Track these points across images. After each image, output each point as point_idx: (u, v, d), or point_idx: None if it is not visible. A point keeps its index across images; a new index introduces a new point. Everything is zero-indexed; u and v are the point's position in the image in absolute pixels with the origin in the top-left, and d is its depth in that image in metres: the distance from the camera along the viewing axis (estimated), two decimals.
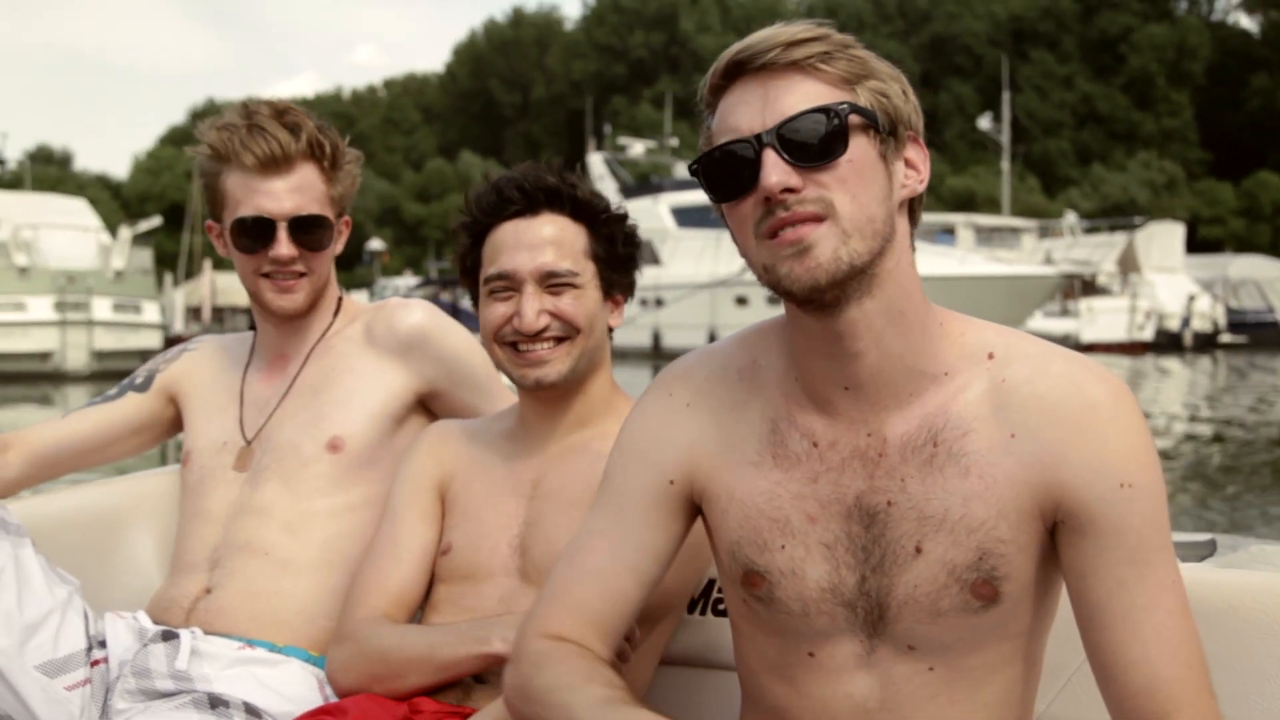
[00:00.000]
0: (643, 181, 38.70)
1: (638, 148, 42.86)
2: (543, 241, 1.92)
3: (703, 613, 2.02)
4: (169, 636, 2.11)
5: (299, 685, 2.09)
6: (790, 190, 1.32)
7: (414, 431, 2.26)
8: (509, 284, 1.93)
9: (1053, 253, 38.68)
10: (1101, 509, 1.36)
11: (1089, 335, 34.57)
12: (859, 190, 1.33)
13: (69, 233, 27.58)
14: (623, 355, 26.91)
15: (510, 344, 1.94)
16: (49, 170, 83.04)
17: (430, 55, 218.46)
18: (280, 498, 2.23)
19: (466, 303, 2.09)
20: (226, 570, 2.19)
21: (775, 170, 1.31)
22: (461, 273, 2.04)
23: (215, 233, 2.31)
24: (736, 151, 1.36)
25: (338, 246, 2.34)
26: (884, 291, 1.37)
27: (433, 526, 2.04)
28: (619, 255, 1.99)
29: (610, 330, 2.05)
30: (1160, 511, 1.37)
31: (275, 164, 2.19)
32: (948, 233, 41.10)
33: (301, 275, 2.26)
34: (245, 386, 2.38)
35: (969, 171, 73.43)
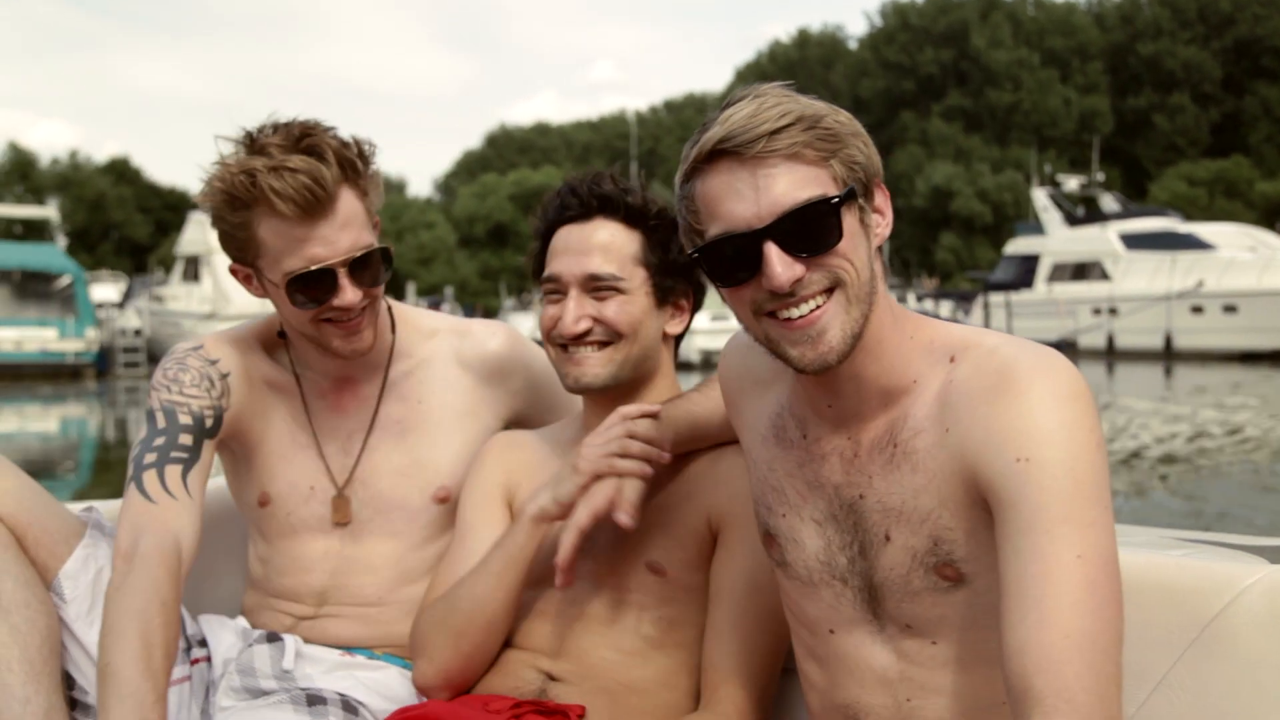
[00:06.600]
0: (1092, 211, 42.27)
1: (1072, 183, 46.75)
2: (591, 246, 1.93)
3: None
4: (273, 639, 2.13)
5: (398, 687, 2.12)
6: (797, 280, 1.40)
7: None
8: (557, 287, 1.95)
9: None
10: (999, 483, 1.34)
11: None
12: (855, 260, 1.42)
13: None
14: (1080, 354, 30.04)
15: (559, 345, 1.97)
16: (387, 196, 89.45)
17: (670, 71, 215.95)
18: (390, 551, 2.19)
19: None
20: (332, 608, 2.19)
21: (781, 265, 1.38)
22: (533, 275, 2.04)
23: (242, 275, 2.09)
24: (735, 244, 1.41)
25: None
26: (869, 333, 1.46)
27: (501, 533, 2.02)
28: (675, 262, 1.95)
29: (679, 338, 2.05)
30: (1068, 486, 1.30)
31: (318, 204, 1.95)
32: None
33: (365, 310, 2.07)
34: (313, 417, 2.21)
35: None
